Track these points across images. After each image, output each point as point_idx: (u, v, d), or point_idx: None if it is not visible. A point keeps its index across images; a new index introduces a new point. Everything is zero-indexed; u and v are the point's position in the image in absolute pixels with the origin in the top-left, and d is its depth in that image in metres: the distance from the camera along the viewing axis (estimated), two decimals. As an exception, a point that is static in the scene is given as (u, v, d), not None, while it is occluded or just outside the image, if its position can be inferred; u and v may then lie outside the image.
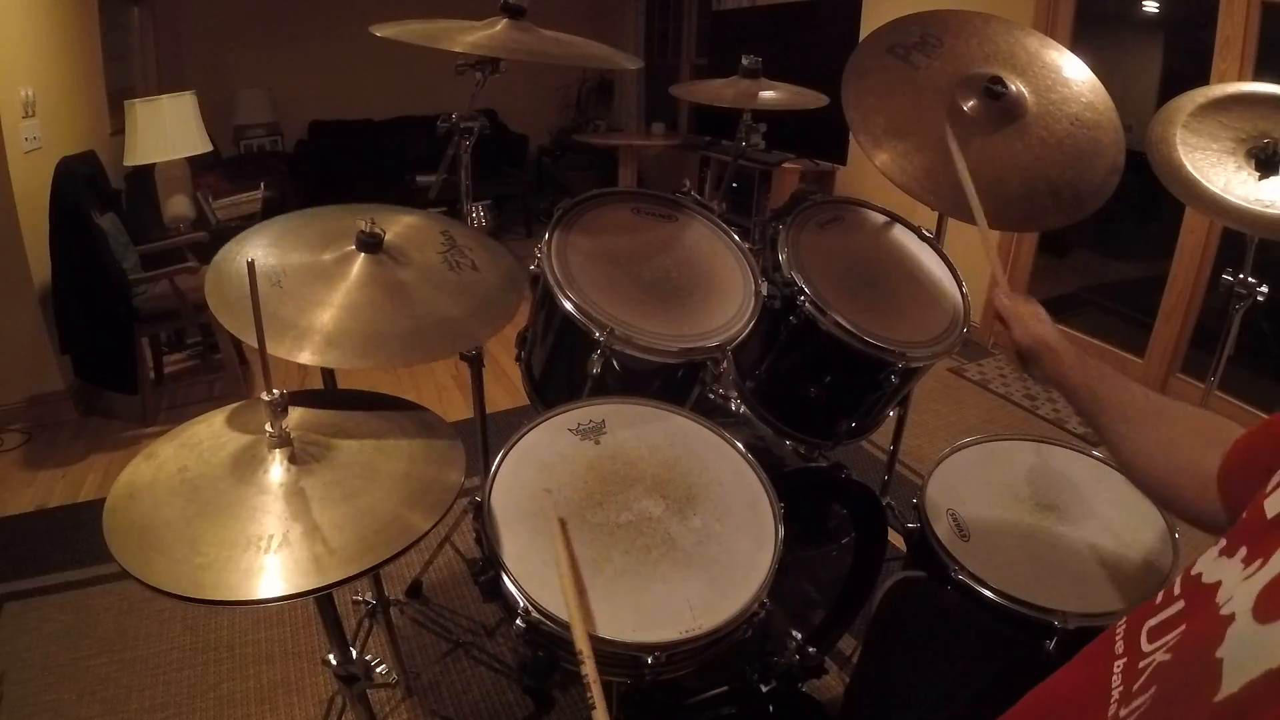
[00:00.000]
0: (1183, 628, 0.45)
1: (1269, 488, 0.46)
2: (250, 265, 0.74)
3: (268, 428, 0.81)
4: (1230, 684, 0.37)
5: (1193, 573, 0.47)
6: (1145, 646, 0.47)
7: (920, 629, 0.94)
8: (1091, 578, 1.10)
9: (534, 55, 1.22)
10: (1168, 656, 0.45)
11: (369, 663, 0.97)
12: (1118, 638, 0.50)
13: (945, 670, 0.86)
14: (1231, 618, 0.40)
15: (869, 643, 1.01)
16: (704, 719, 1.32)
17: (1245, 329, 1.53)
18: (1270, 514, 0.43)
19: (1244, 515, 0.47)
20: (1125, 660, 0.47)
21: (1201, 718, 0.38)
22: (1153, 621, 0.47)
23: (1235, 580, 0.42)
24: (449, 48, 1.17)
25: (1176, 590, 0.48)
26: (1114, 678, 0.47)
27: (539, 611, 0.84)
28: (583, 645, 0.75)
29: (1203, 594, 0.44)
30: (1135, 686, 0.45)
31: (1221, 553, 0.46)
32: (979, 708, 0.78)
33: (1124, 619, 0.52)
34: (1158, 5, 3.14)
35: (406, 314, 1.03)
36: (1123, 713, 0.45)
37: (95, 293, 2.51)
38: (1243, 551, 0.44)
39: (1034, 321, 0.95)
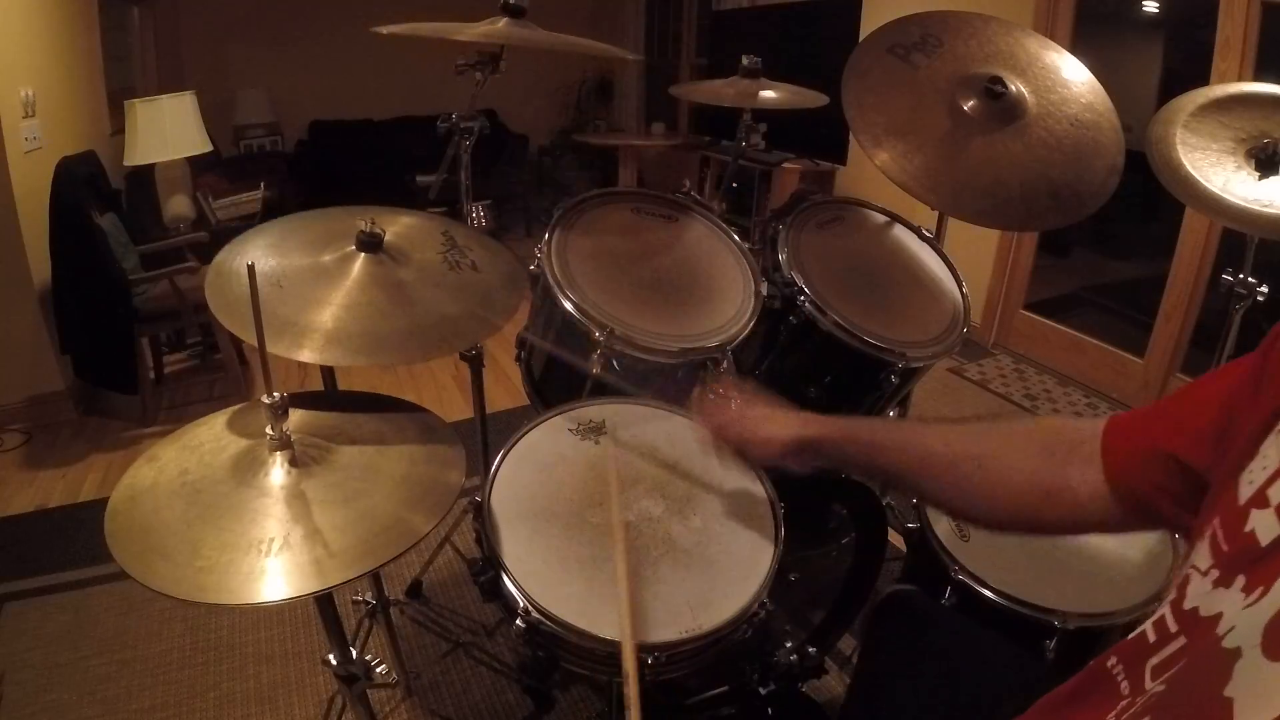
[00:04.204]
0: (1184, 662, 0.44)
1: (1243, 502, 0.45)
2: (250, 269, 0.74)
3: (268, 430, 0.81)
4: None
5: (1186, 607, 0.46)
6: (1149, 685, 0.46)
7: (912, 645, 0.94)
8: (1091, 578, 1.11)
9: (536, 43, 1.22)
10: (1163, 688, 0.44)
11: (369, 663, 0.97)
12: (1120, 679, 0.48)
13: (938, 687, 0.86)
14: (1238, 653, 0.39)
15: (862, 660, 1.01)
16: (704, 719, 1.32)
17: (1245, 329, 1.53)
18: (1264, 540, 0.42)
19: (1220, 542, 0.45)
20: (1128, 700, 0.47)
21: None
22: (1155, 660, 0.46)
23: (1235, 610, 0.41)
24: (455, 37, 1.17)
25: (1172, 627, 0.46)
26: (1110, 717, 0.46)
27: (539, 611, 0.84)
28: (629, 666, 0.73)
29: (1202, 627, 0.43)
30: (1128, 716, 0.45)
31: (1216, 584, 0.44)
32: None
33: (1113, 656, 0.51)
34: (1158, 5, 3.14)
35: (406, 313, 1.03)
36: None
37: (95, 293, 2.51)
38: (1240, 581, 0.42)
39: (766, 425, 0.83)
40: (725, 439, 0.88)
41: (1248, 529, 0.43)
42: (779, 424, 0.83)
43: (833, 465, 0.80)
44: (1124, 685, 0.48)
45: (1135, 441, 0.61)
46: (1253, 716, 0.35)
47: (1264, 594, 0.39)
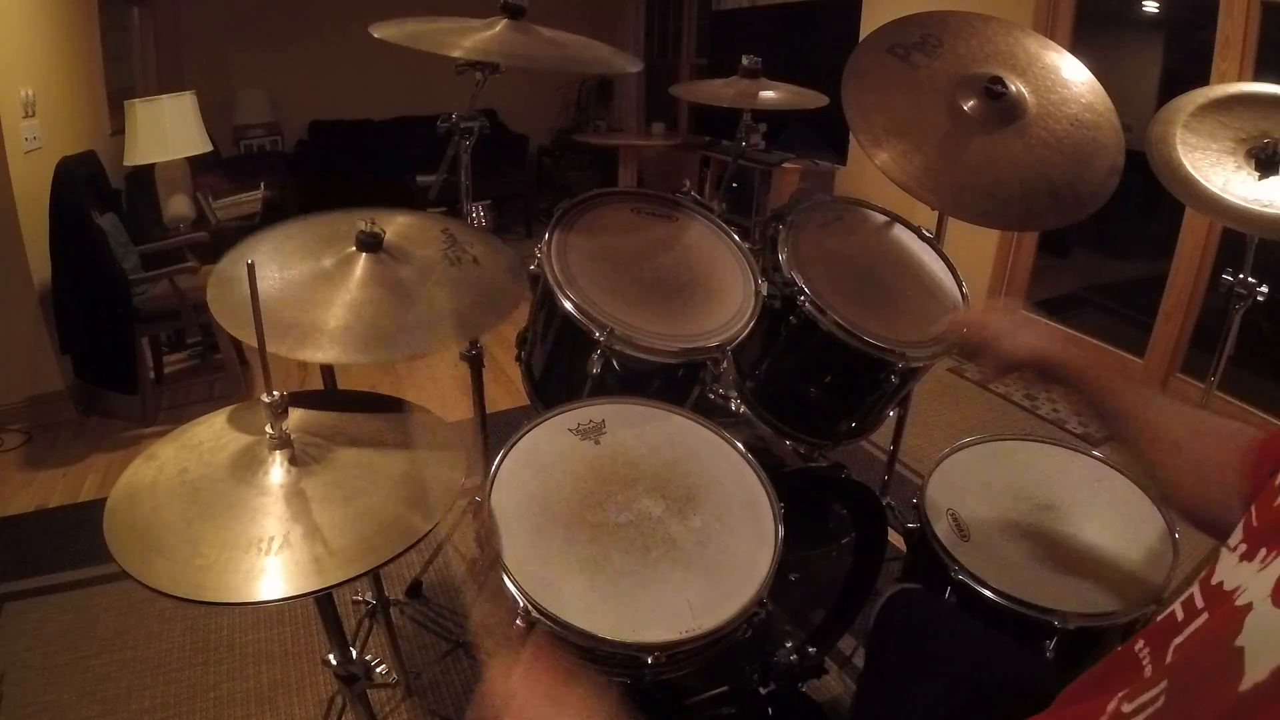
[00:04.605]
0: (1204, 631, 0.44)
1: (1278, 481, 0.46)
2: (250, 268, 0.74)
3: (268, 429, 0.81)
4: (1256, 672, 0.36)
5: (1213, 582, 0.46)
6: (1170, 662, 0.46)
7: (917, 642, 0.94)
8: (1091, 578, 1.10)
9: (531, 61, 1.22)
10: (1179, 657, 0.44)
11: (369, 663, 0.97)
12: (1145, 662, 0.49)
13: (943, 685, 0.86)
14: (1249, 607, 0.39)
15: (869, 660, 1.01)
16: (703, 719, 1.32)
17: (1245, 329, 1.53)
18: None
19: (1253, 519, 0.47)
20: (1149, 680, 0.47)
21: (1226, 707, 0.36)
22: (1180, 638, 0.46)
23: (1252, 577, 0.42)
24: (447, 53, 1.16)
25: (1199, 603, 0.47)
26: (1127, 691, 0.46)
27: (539, 611, 0.84)
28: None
29: (1224, 599, 0.44)
30: (1142, 684, 0.45)
31: (1242, 558, 0.45)
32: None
33: (1141, 639, 0.51)
34: (1158, 5, 3.14)
35: (409, 308, 1.02)
36: (1126, 708, 0.44)
37: (95, 293, 2.51)
38: (1262, 553, 0.43)
39: (1024, 329, 0.86)
40: (980, 334, 0.90)
41: (1276, 504, 0.44)
42: (1036, 332, 0.86)
43: (1065, 389, 0.84)
44: (1148, 668, 0.48)
45: (1265, 463, 0.61)
46: (1265, 662, 0.36)
47: (1278, 556, 0.40)
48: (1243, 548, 0.46)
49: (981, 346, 0.89)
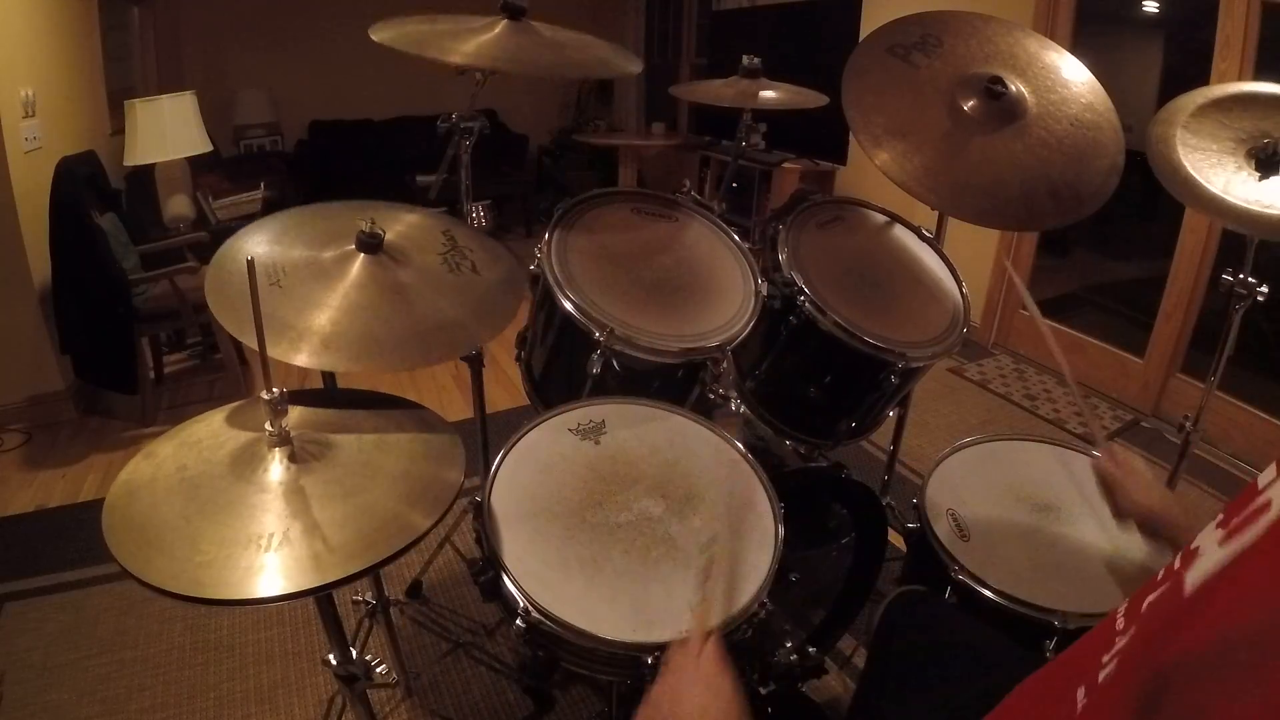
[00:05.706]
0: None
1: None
2: (250, 264, 0.74)
3: (267, 426, 0.81)
4: (1190, 587, 0.42)
5: (1192, 547, 0.48)
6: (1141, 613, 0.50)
7: (921, 644, 0.94)
8: (1091, 578, 1.10)
9: (531, 69, 1.23)
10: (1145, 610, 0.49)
11: (369, 663, 0.97)
12: (1119, 615, 0.51)
13: (946, 687, 0.86)
14: (1199, 550, 0.45)
15: (871, 660, 1.01)
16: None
17: (1245, 329, 1.52)
18: (1260, 485, 0.45)
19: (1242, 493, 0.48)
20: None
21: (1171, 613, 0.43)
22: (1153, 596, 0.48)
23: (1211, 532, 0.46)
24: (446, 59, 1.16)
25: (1177, 565, 0.49)
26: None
27: (539, 611, 0.84)
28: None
29: (1191, 556, 0.47)
30: (1116, 637, 0.48)
31: (1218, 525, 0.47)
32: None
33: (1122, 606, 0.53)
34: (1158, 5, 3.14)
35: (404, 316, 1.02)
36: (1104, 658, 0.47)
37: (95, 293, 2.51)
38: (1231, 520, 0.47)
39: (1141, 490, 0.93)
40: (1119, 474, 0.98)
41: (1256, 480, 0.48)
42: (1158, 493, 0.94)
43: (1164, 540, 0.91)
44: (1120, 622, 0.50)
45: None
46: (1198, 578, 0.42)
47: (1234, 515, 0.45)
48: (1220, 516, 0.48)
49: (1114, 485, 0.98)
